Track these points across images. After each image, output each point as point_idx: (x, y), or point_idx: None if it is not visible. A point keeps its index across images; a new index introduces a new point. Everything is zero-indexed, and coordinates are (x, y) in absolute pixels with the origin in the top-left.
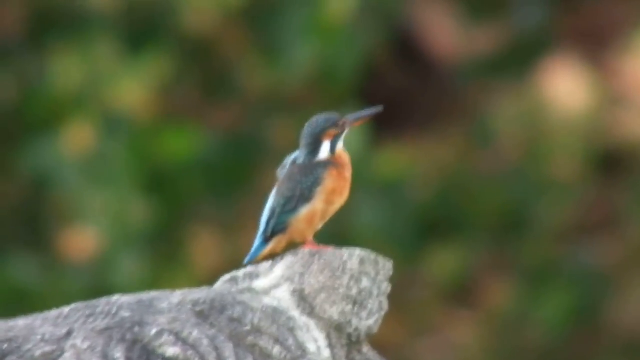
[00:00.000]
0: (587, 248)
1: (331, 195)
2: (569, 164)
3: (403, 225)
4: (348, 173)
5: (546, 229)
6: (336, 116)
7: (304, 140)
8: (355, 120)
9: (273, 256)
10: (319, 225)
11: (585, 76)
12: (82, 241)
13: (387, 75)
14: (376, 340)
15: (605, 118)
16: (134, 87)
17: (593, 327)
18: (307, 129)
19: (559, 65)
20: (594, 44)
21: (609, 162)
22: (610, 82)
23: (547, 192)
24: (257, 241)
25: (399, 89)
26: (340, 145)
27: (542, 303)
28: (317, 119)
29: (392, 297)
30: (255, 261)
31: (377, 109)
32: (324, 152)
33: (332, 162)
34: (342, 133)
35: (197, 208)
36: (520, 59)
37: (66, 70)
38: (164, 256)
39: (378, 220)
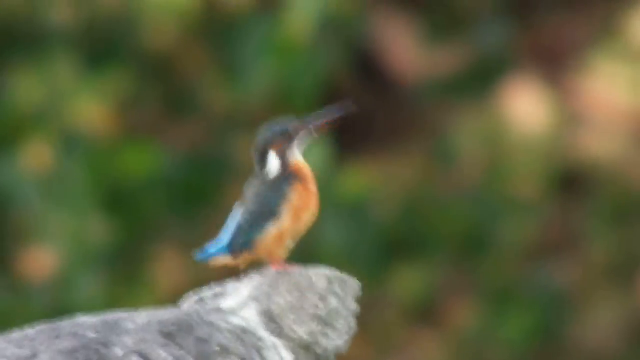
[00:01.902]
0: (549, 267)
1: (299, 212)
2: (529, 183)
3: (368, 245)
4: (312, 186)
5: (508, 248)
6: (285, 125)
7: (253, 151)
8: (316, 121)
9: (235, 271)
10: (290, 244)
11: (544, 95)
12: (41, 261)
13: (349, 94)
14: (343, 359)
15: (565, 137)
16: (93, 105)
17: (555, 346)
18: (257, 139)
19: (519, 85)
20: (553, 64)
21: (569, 181)
22: (569, 102)
23: (509, 212)
24: (219, 246)
25: (361, 108)
26: (296, 153)
27: (505, 322)
28: (264, 130)
29: (358, 316)
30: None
31: (342, 108)
32: (273, 164)
33: (296, 176)
34: (292, 142)
35: (159, 227)
36: (480, 79)
37: (25, 88)
38: (125, 276)
39: (343, 239)
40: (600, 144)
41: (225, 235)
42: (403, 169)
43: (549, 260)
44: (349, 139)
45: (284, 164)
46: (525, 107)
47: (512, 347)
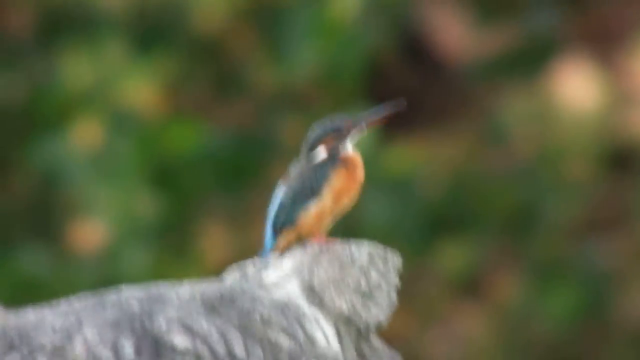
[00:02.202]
0: (596, 245)
1: (339, 194)
2: (579, 163)
3: (412, 221)
4: (359, 174)
5: (556, 225)
6: (339, 121)
7: (303, 145)
8: (369, 119)
9: (283, 250)
10: (329, 223)
11: (595, 76)
12: (90, 234)
13: (396, 75)
14: (385, 333)
15: (616, 117)
16: (142, 86)
17: (601, 323)
18: (308, 134)
19: (569, 65)
20: (604, 44)
21: (619, 160)
22: (620, 82)
23: (558, 190)
24: (268, 235)
25: (408, 88)
26: (347, 148)
27: (550, 298)
28: (317, 126)
29: (401, 291)
30: (269, 255)
31: (396, 105)
32: (321, 156)
33: (342, 161)
34: (344, 139)
35: (206, 202)
36: (530, 59)
37: (76, 69)
38: (171, 250)
39: (387, 216)
40: None
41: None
42: (450, 148)
43: (596, 238)
44: (396, 119)
45: (333, 156)
46: (576, 87)
47: (556, 323)
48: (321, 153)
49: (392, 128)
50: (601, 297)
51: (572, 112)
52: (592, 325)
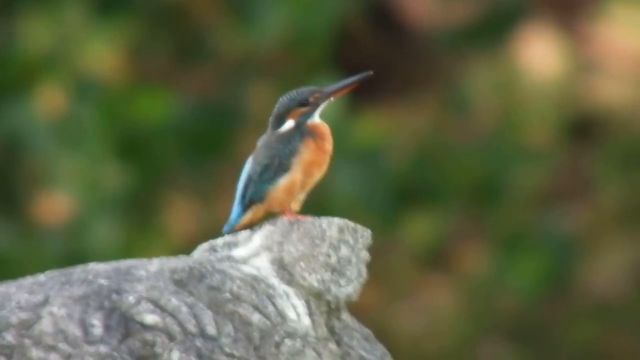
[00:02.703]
0: (559, 214)
1: (309, 167)
2: (542, 131)
3: (380, 193)
4: (328, 145)
5: (519, 195)
6: (306, 92)
7: (270, 118)
8: (336, 90)
9: (251, 225)
10: (300, 196)
11: (558, 43)
12: (55, 206)
13: (363, 42)
14: (354, 306)
15: (579, 85)
16: (104, 51)
17: (564, 292)
18: (275, 107)
19: (533, 33)
20: (567, 12)
21: (582, 128)
22: (583, 49)
23: (521, 159)
24: (235, 210)
25: (375, 55)
26: (315, 119)
27: (514, 268)
28: (284, 98)
29: (370, 264)
30: (234, 230)
31: (363, 75)
32: (288, 129)
33: (311, 132)
34: (312, 110)
35: (172, 174)
36: (495, 28)
37: (35, 33)
38: (138, 222)
39: (355, 188)
40: (613, 91)
41: (238, 194)
42: (416, 117)
43: (560, 207)
44: (363, 87)
45: (300, 128)
46: (539, 55)
47: (521, 293)
48: (288, 125)
49: (359, 98)
50: (565, 265)
51: (535, 81)
52: (556, 294)
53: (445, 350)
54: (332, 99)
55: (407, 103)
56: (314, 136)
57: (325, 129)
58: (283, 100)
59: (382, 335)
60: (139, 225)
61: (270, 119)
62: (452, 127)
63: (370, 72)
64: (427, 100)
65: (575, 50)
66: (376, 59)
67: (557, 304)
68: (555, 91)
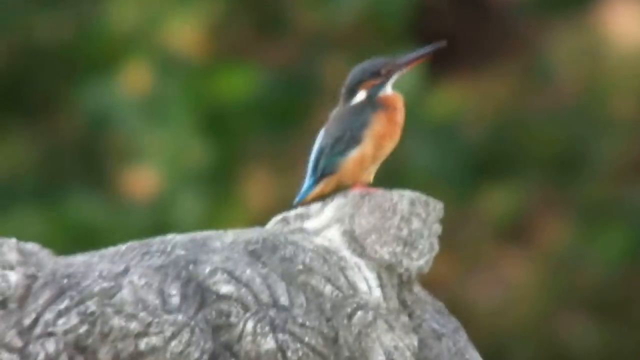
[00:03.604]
0: None
1: (380, 139)
2: (627, 102)
3: (457, 165)
4: (399, 117)
5: (603, 167)
6: (379, 64)
7: (342, 89)
8: (409, 61)
9: (322, 197)
10: (371, 168)
11: None
12: (141, 180)
13: (442, 13)
14: (428, 279)
15: None
16: (187, 27)
17: None
18: (347, 78)
19: (618, 1)
20: None
21: None
22: None
23: (605, 130)
24: (307, 181)
25: (454, 25)
26: (387, 91)
27: (598, 242)
28: (356, 69)
29: (444, 236)
30: (305, 202)
31: (436, 46)
32: (360, 101)
33: (382, 104)
34: (385, 81)
35: (251, 147)
36: None
37: (121, 11)
38: (220, 195)
39: (432, 160)
40: None
41: (310, 167)
42: (497, 87)
43: None
44: (441, 58)
45: (372, 99)
46: (625, 22)
47: (604, 267)
48: (360, 96)
49: (437, 69)
50: None
51: (620, 49)
52: (638, 269)
53: (522, 325)
54: (404, 70)
55: (488, 73)
56: (385, 108)
57: (398, 100)
58: (355, 71)
59: (457, 308)
60: (220, 198)
61: (342, 91)
62: (533, 97)
63: (444, 42)
64: (508, 70)
65: None
66: (455, 29)
67: None
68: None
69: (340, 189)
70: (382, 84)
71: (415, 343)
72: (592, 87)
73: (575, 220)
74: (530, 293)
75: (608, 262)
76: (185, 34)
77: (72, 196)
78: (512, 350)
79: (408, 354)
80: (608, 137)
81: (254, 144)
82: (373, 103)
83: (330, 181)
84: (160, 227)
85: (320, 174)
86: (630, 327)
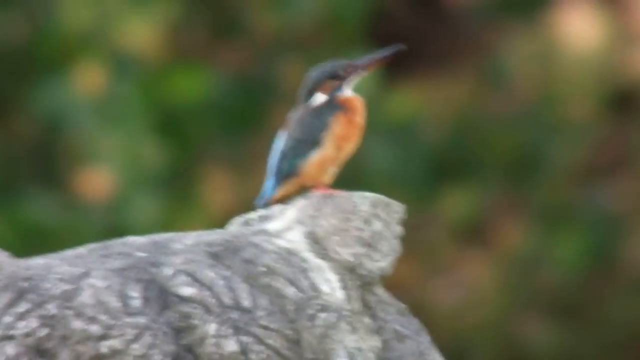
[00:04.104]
0: (602, 188)
1: (340, 141)
2: (582, 103)
3: (416, 167)
4: (359, 119)
5: (560, 169)
6: (338, 65)
7: (301, 91)
8: (368, 63)
9: (285, 200)
10: (332, 170)
11: (598, 13)
12: (96, 181)
13: (399, 16)
14: (391, 281)
15: (619, 56)
16: (143, 28)
17: (608, 268)
18: (306, 79)
19: (572, 3)
20: None
21: (622, 100)
22: (623, 20)
23: (560, 132)
24: (268, 184)
25: (411, 29)
26: (346, 92)
27: (557, 244)
28: (314, 71)
29: (405, 238)
30: (266, 204)
31: (395, 48)
32: (318, 101)
33: (342, 106)
34: (343, 84)
35: (209, 149)
36: None
37: (76, 10)
38: (177, 196)
39: (391, 162)
40: None
41: (271, 169)
42: (453, 90)
43: (602, 181)
44: (398, 61)
45: (331, 101)
46: (579, 25)
47: (563, 268)
48: (319, 98)
49: (395, 71)
50: (608, 241)
51: (574, 52)
52: (599, 271)
53: (482, 325)
54: (363, 72)
55: (444, 76)
56: (344, 110)
57: (358, 102)
58: (313, 73)
59: (418, 310)
60: (177, 200)
61: (301, 92)
62: (489, 99)
63: (404, 46)
64: (464, 73)
65: (615, 20)
66: (412, 32)
67: (600, 280)
68: (595, 62)
69: (302, 191)
70: (340, 86)
71: (379, 345)
72: (547, 90)
73: (533, 223)
74: (490, 295)
75: (565, 263)
76: (141, 35)
77: (26, 198)
78: (472, 351)
79: (371, 355)
80: (563, 139)
81: (211, 145)
82: (333, 105)
83: (292, 183)
84: (115, 228)
85: (282, 177)
86: (588, 328)
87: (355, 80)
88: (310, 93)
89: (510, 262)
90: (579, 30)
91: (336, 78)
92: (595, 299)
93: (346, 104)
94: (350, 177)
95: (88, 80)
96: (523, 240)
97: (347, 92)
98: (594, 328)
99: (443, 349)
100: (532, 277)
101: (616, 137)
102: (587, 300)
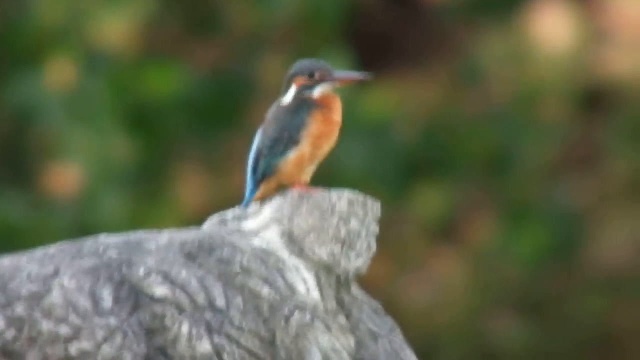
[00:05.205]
0: (568, 185)
1: (317, 140)
2: (554, 103)
3: (389, 165)
4: (336, 116)
5: (530, 167)
6: (316, 66)
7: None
8: (341, 78)
9: (263, 199)
10: (310, 168)
11: (571, 13)
12: (65, 178)
13: (374, 15)
14: (364, 279)
15: (590, 55)
16: (116, 24)
17: (571, 264)
18: (289, 69)
19: (545, 3)
20: None
21: (593, 99)
22: (595, 19)
23: (532, 131)
24: (249, 186)
25: (386, 28)
26: (314, 94)
27: (520, 239)
28: (298, 63)
29: (379, 237)
30: (246, 204)
31: (367, 75)
32: (290, 96)
33: (319, 104)
34: (314, 85)
35: (182, 146)
36: None
37: (48, 5)
38: (148, 194)
39: (365, 160)
40: (625, 62)
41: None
42: (427, 89)
43: (569, 178)
44: (373, 60)
45: (307, 99)
46: (551, 25)
47: (527, 264)
48: (292, 91)
49: (369, 70)
50: (572, 237)
51: (547, 51)
52: (562, 267)
53: (453, 322)
54: (334, 84)
55: (418, 75)
56: (321, 108)
57: (334, 100)
58: (296, 64)
59: (391, 308)
60: (148, 197)
61: (284, 81)
62: (463, 98)
63: (372, 75)
64: (438, 72)
65: (587, 20)
66: (387, 31)
67: (565, 276)
68: (567, 62)
69: (280, 189)
70: (311, 86)
71: (352, 344)
72: (520, 89)
73: (501, 220)
74: (460, 292)
75: (528, 260)
76: (115, 30)
77: None
78: (443, 349)
79: (345, 354)
80: (535, 137)
81: (184, 143)
82: (309, 103)
83: (271, 182)
84: (83, 226)
85: (260, 176)
86: (556, 324)
87: (324, 88)
88: (288, 83)
89: (479, 259)
90: (552, 30)
91: (310, 77)
92: (561, 295)
93: (323, 102)
94: (324, 176)
95: (59, 75)
96: (491, 238)
97: (314, 94)
98: (561, 324)
99: (414, 348)
100: (499, 274)
101: (586, 135)
102: (553, 296)
